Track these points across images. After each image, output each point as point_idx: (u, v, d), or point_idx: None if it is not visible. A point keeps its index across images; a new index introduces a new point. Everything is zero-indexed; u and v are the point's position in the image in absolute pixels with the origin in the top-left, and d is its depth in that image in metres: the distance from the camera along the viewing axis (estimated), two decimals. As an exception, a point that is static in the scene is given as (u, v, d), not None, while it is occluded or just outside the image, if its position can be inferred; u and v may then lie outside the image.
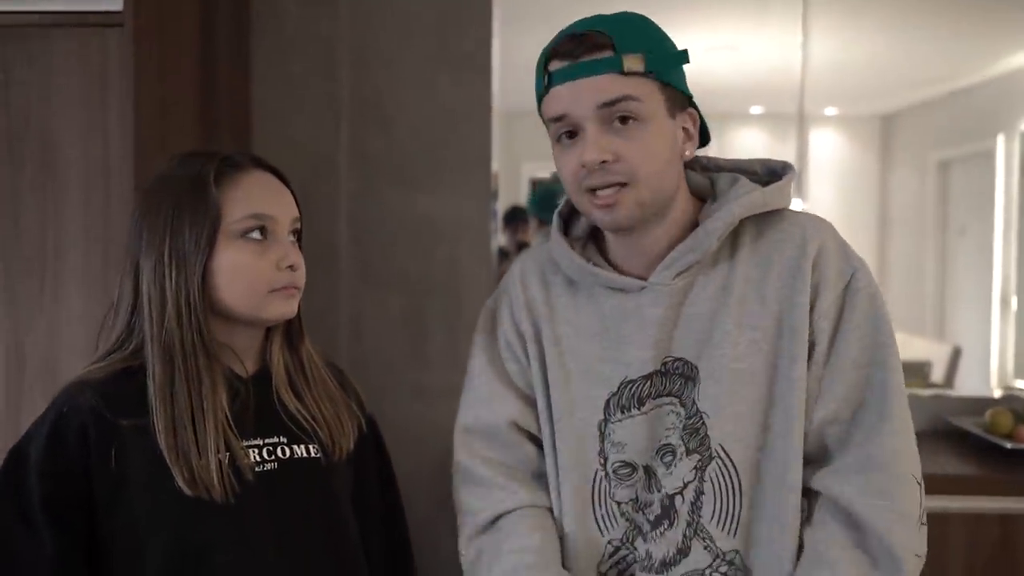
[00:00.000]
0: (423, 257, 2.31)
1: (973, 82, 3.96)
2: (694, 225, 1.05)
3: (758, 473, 1.00)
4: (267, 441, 1.08)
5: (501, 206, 3.24)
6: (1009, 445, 2.04)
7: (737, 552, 1.00)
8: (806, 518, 1.00)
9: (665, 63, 0.99)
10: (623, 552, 1.04)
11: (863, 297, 1.00)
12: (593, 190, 0.99)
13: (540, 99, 1.02)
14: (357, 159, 2.30)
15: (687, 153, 1.04)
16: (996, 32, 3.57)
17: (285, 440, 1.09)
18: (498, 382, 1.13)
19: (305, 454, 1.09)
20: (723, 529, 1.00)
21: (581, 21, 1.01)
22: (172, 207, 1.04)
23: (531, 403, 1.11)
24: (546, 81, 0.99)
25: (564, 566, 1.04)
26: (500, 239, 3.44)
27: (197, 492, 0.99)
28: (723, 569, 1.00)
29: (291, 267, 1.08)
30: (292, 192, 1.14)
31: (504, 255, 3.44)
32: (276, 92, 2.26)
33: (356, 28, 2.28)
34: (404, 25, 2.28)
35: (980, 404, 2.31)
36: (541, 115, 1.04)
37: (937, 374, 3.44)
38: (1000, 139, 3.77)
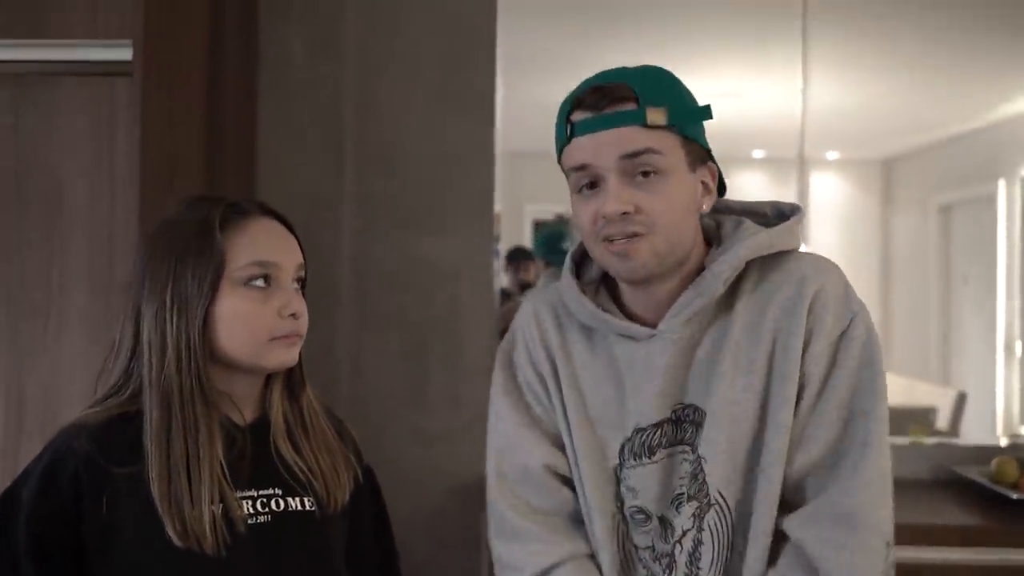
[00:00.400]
0: (424, 298, 2.32)
1: (973, 127, 3.99)
2: (701, 270, 1.05)
3: (749, 517, 1.00)
4: (262, 493, 1.06)
5: (503, 247, 3.25)
6: (1015, 496, 2.02)
7: None
8: (770, 558, 1.00)
9: (687, 117, 1.00)
10: None
11: (857, 345, 1.00)
12: (610, 239, 0.99)
13: (560, 149, 1.03)
14: (360, 201, 2.32)
15: (704, 208, 1.05)
16: (995, 77, 3.61)
17: (280, 492, 1.08)
18: (526, 427, 1.11)
19: (299, 507, 1.08)
20: (718, 574, 1.01)
21: (604, 73, 1.01)
22: (176, 252, 1.04)
23: (560, 444, 1.10)
24: (568, 131, 1.00)
25: None
26: (502, 279, 3.45)
27: (188, 543, 0.97)
28: None
29: (293, 315, 1.07)
30: (297, 239, 1.14)
31: (506, 296, 3.45)
32: (282, 137, 2.29)
33: (361, 73, 2.31)
34: (408, 69, 2.32)
35: (985, 453, 2.30)
36: (560, 164, 1.04)
37: (942, 420, 3.42)
38: (1001, 184, 3.79)
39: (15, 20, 1.49)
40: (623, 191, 0.97)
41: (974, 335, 3.99)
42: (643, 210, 0.97)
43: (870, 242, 4.60)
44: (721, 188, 1.09)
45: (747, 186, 4.00)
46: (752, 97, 3.08)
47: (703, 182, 1.04)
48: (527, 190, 3.87)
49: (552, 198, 2.80)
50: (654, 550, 1.04)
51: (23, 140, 1.50)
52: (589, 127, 0.98)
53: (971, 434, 3.57)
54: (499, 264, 2.47)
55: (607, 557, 1.05)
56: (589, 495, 1.06)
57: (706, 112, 1.03)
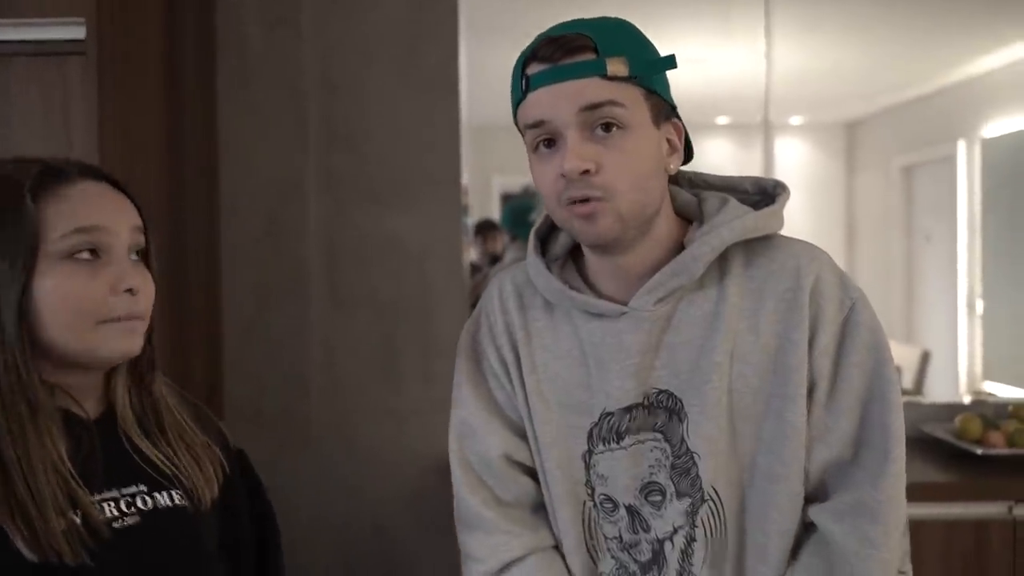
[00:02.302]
0: (394, 277, 2.30)
1: (934, 88, 4.02)
2: (679, 247, 0.99)
3: (745, 514, 0.97)
4: (124, 492, 0.93)
5: (472, 221, 3.23)
6: (980, 451, 2.07)
7: None
8: (794, 547, 0.97)
9: (650, 69, 0.93)
10: None
11: (864, 331, 0.96)
12: (573, 201, 0.92)
13: (516, 106, 0.96)
14: (325, 181, 2.29)
15: (671, 167, 0.98)
16: (956, 38, 3.64)
17: (144, 488, 0.94)
18: (487, 412, 1.06)
19: (169, 502, 0.96)
20: (712, 571, 0.97)
21: (561, 25, 0.95)
22: None
23: (522, 432, 1.05)
24: (524, 86, 0.93)
25: None
26: (471, 253, 3.44)
27: (43, 555, 0.83)
28: None
29: (130, 291, 0.90)
30: (134, 202, 0.96)
31: (476, 269, 3.44)
32: (243, 116, 2.25)
33: (321, 50, 2.27)
34: (369, 45, 2.28)
35: (950, 410, 2.35)
36: (517, 123, 0.97)
37: (907, 379, 3.48)
38: (961, 145, 3.83)
39: (-40, 1, 1.44)
40: (583, 147, 0.90)
41: (937, 294, 4.06)
42: (604, 167, 0.91)
43: (835, 205, 4.64)
44: (688, 151, 1.02)
45: (711, 153, 4.01)
46: (715, 64, 3.08)
47: (668, 139, 0.97)
48: (494, 162, 3.85)
49: (520, 170, 2.78)
50: (622, 540, 0.99)
51: (-26, 125, 1.45)
52: (545, 79, 0.91)
53: (935, 392, 3.65)
54: (468, 238, 2.46)
55: (572, 546, 1.01)
56: (554, 483, 1.01)
57: (669, 62, 0.96)
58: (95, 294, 0.89)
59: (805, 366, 0.94)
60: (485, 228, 4.17)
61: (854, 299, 0.97)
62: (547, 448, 1.01)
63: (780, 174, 4.32)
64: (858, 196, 4.58)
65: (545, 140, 0.93)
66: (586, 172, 0.90)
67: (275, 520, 1.13)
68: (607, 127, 0.91)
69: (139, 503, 0.93)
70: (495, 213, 4.17)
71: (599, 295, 1.01)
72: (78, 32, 1.43)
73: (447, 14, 2.29)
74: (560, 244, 1.08)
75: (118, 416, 0.97)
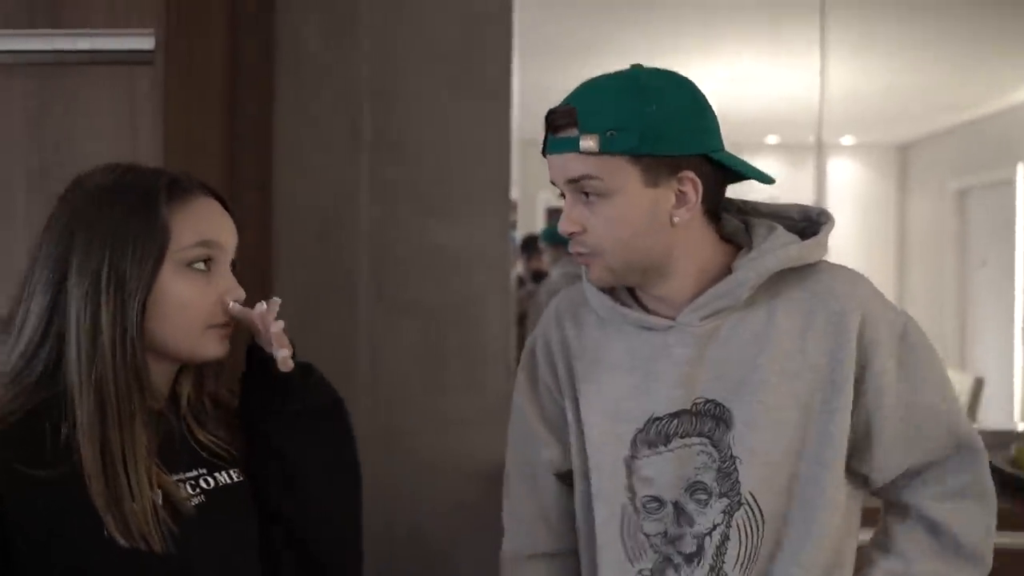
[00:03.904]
0: (442, 285, 2.32)
1: (990, 111, 3.96)
2: (726, 272, 1.06)
3: (784, 521, 1.03)
4: (187, 475, 0.98)
5: (518, 235, 3.26)
6: (1034, 479, 2.02)
7: None
8: (881, 529, 1.11)
9: (636, 137, 0.98)
10: None
11: (921, 347, 1.05)
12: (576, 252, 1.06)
13: None
14: (377, 189, 2.32)
15: (676, 219, 1.02)
16: (1013, 61, 3.57)
17: (204, 471, 1.00)
18: (535, 421, 1.18)
19: (229, 480, 1.01)
20: (743, 572, 1.04)
21: (575, 91, 1.04)
22: (114, 224, 0.92)
23: (565, 441, 1.15)
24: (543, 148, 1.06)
25: None
26: (517, 266, 3.46)
27: (132, 541, 0.88)
28: None
29: (234, 301, 0.99)
30: (233, 220, 1.05)
31: (520, 283, 3.46)
32: (299, 124, 2.30)
33: (377, 60, 2.32)
34: (424, 56, 2.32)
35: (1004, 438, 2.30)
36: None
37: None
38: (1020, 168, 3.76)
39: (37, 10, 1.50)
40: (573, 210, 1.02)
41: (991, 319, 3.98)
42: (588, 229, 1.02)
43: (886, 227, 4.58)
44: (734, 177, 1.08)
45: (761, 172, 3.99)
46: (766, 82, 3.06)
47: (680, 191, 1.02)
48: (540, 178, 3.87)
49: (565, 185, 2.79)
50: (666, 535, 1.06)
51: (47, 130, 1.50)
52: (546, 149, 1.04)
53: (989, 419, 3.56)
54: (515, 251, 2.48)
55: (614, 545, 1.09)
56: (598, 486, 1.09)
57: (682, 118, 1.01)
58: (207, 301, 0.97)
59: (850, 384, 1.02)
60: (531, 245, 4.19)
61: (904, 319, 1.06)
62: (593, 453, 1.10)
63: (831, 195, 4.28)
64: (910, 219, 4.51)
65: (560, 194, 1.06)
66: (573, 233, 1.03)
67: None
68: (587, 194, 1.01)
69: (203, 484, 0.99)
70: (539, 228, 4.18)
71: (647, 311, 1.09)
72: (147, 43, 1.48)
73: (502, 28, 2.32)
74: None
75: (181, 406, 1.02)
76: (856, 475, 1.07)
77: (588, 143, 0.98)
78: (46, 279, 0.93)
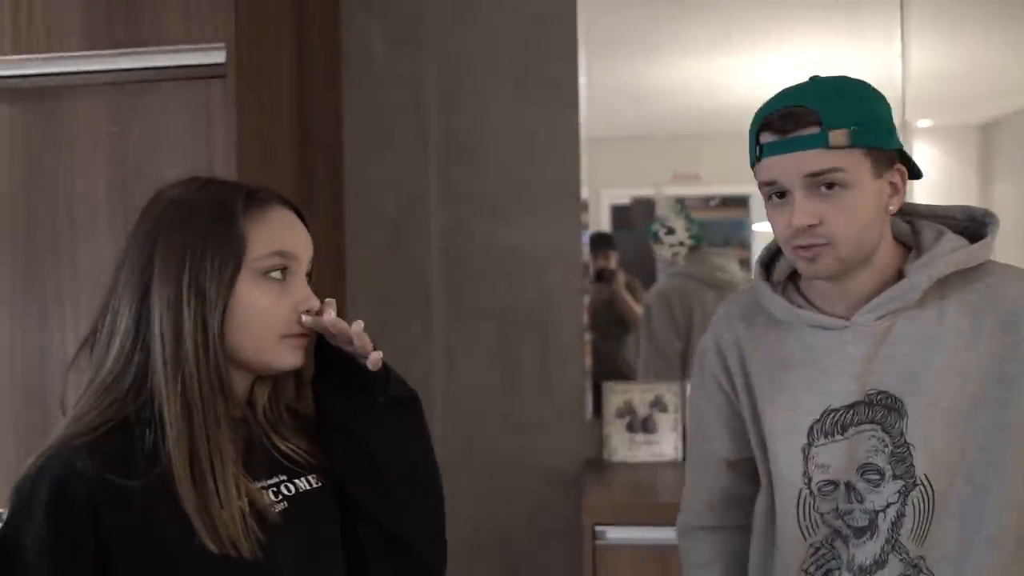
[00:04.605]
0: (515, 287, 2.31)
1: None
2: (898, 273, 1.14)
3: (955, 498, 1.12)
4: (268, 483, 1.00)
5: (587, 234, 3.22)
6: None
7: (922, 558, 1.13)
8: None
9: (872, 131, 1.07)
10: (823, 552, 1.18)
11: None
12: (799, 245, 1.11)
13: (752, 163, 1.14)
14: (447, 193, 2.32)
15: (891, 208, 1.12)
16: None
17: (285, 477, 1.02)
18: (709, 416, 1.29)
19: (308, 486, 1.03)
20: (915, 542, 1.13)
21: (788, 92, 1.11)
22: (194, 234, 0.95)
23: (737, 433, 1.26)
24: (758, 152, 1.11)
25: (772, 565, 1.23)
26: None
27: (223, 547, 0.90)
28: (911, 574, 1.14)
29: (308, 312, 0.99)
30: (309, 230, 1.07)
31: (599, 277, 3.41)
32: (366, 131, 2.31)
33: (442, 64, 2.31)
34: (489, 58, 2.31)
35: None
36: (754, 174, 1.15)
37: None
38: (1114, 145, 3.55)
39: (114, 30, 1.54)
40: (808, 204, 1.07)
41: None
42: (827, 221, 1.07)
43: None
44: (915, 173, 1.16)
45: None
46: (844, 67, 2.97)
47: (892, 183, 1.11)
48: (604, 175, 3.83)
49: (629, 182, 2.74)
50: (838, 510, 1.16)
51: (127, 148, 1.54)
52: (776, 150, 1.09)
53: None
54: (587, 250, 2.44)
55: (790, 523, 1.19)
56: (779, 473, 1.19)
57: (889, 116, 1.10)
58: (282, 311, 0.98)
59: (1021, 376, 1.09)
60: (600, 244, 4.13)
61: None
62: (773, 443, 1.19)
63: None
64: (995, 202, 4.31)
65: (778, 193, 1.11)
66: (811, 226, 1.08)
67: None
68: (830, 185, 1.07)
69: (284, 490, 1.01)
70: (605, 226, 4.13)
71: (820, 312, 1.17)
72: (219, 56, 1.51)
73: (567, 28, 2.30)
74: (780, 270, 1.26)
75: (257, 414, 1.04)
76: None
77: (838, 138, 1.05)
78: (131, 291, 0.95)
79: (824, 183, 1.07)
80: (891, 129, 1.11)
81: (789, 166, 1.08)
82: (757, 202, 2.25)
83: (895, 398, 1.13)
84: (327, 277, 2.17)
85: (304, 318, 0.99)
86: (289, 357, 1.00)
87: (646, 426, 2.33)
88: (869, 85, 1.13)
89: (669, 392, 2.35)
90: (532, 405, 2.31)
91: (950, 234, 1.15)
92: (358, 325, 1.00)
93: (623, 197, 3.98)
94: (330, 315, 1.00)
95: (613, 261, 4.02)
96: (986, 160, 4.37)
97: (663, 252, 2.55)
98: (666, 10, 2.68)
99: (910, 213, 1.21)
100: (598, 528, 1.91)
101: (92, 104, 1.55)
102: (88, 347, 0.98)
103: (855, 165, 1.07)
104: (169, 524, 0.90)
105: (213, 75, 1.51)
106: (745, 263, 2.55)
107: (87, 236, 1.56)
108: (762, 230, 2.55)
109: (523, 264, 2.31)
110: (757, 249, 2.60)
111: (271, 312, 0.97)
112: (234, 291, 0.95)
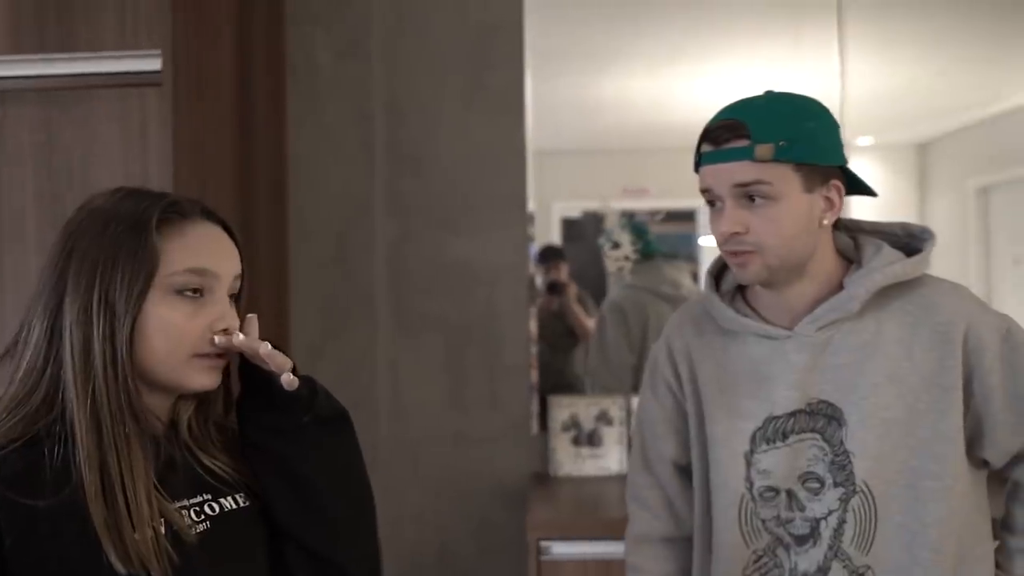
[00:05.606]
0: (460, 301, 2.30)
1: (1010, 107, 3.89)
2: (838, 285, 1.19)
3: (897, 505, 1.15)
4: (191, 502, 0.97)
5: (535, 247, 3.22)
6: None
7: (869, 567, 1.16)
8: (1006, 511, 1.22)
9: (802, 147, 1.11)
10: (765, 559, 1.21)
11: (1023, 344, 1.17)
12: (729, 252, 1.17)
13: (696, 170, 1.19)
14: (393, 204, 2.30)
15: (824, 222, 1.16)
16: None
17: (209, 496, 0.99)
18: (658, 419, 1.32)
19: (234, 505, 1.00)
20: (859, 549, 1.16)
21: (734, 106, 1.16)
22: (106, 247, 0.92)
23: (683, 438, 1.29)
24: (698, 159, 1.17)
25: (713, 570, 1.25)
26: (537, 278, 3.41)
27: (132, 568, 0.86)
28: None
29: (224, 331, 0.96)
30: (238, 246, 1.03)
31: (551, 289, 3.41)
32: (312, 141, 2.28)
33: (388, 75, 2.30)
34: (435, 69, 2.30)
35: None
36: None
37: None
38: (1045, 164, 3.68)
39: (44, 34, 1.49)
40: (735, 213, 1.13)
41: (1021, 318, 3.90)
42: (752, 230, 1.12)
43: (907, 228, 4.49)
44: (863, 191, 1.21)
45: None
46: (784, 85, 3.02)
47: (827, 197, 1.15)
48: (554, 188, 3.85)
49: (580, 195, 2.75)
50: (779, 518, 1.19)
51: (57, 157, 1.49)
52: (710, 159, 1.14)
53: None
54: (534, 264, 2.44)
55: (731, 529, 1.22)
56: (718, 478, 1.22)
57: (829, 132, 1.15)
58: (195, 330, 0.95)
59: (959, 387, 1.14)
60: (549, 256, 4.14)
61: (1008, 322, 1.18)
62: (715, 448, 1.23)
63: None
64: (931, 219, 4.43)
65: (711, 202, 1.17)
66: (736, 233, 1.13)
67: None
68: (752, 198, 1.12)
69: (208, 510, 0.97)
70: (556, 239, 4.14)
71: (765, 322, 1.22)
72: (154, 64, 1.47)
73: (513, 40, 2.30)
74: (728, 281, 1.30)
75: (180, 432, 1.01)
76: (977, 460, 1.19)
77: (764, 152, 1.10)
78: (45, 303, 0.93)
79: (748, 194, 1.12)
80: (828, 146, 1.15)
81: (720, 175, 1.13)
82: (703, 216, 2.28)
83: (835, 407, 1.17)
84: (271, 288, 2.12)
85: (216, 339, 0.96)
86: (201, 377, 0.97)
87: (592, 440, 2.33)
88: (814, 103, 1.17)
89: (614, 405, 2.35)
90: (478, 419, 2.30)
91: (888, 248, 1.20)
92: (265, 347, 0.97)
93: (574, 210, 4.00)
94: (239, 336, 0.97)
95: (564, 273, 4.02)
96: (924, 178, 4.50)
97: (610, 266, 2.56)
98: (613, 25, 2.70)
99: (854, 229, 1.26)
100: (543, 543, 1.90)
101: (19, 111, 1.49)
102: (8, 360, 0.95)
103: (781, 179, 1.12)
104: (77, 544, 0.87)
105: (149, 83, 1.47)
106: (697, 276, 2.57)
107: (12, 248, 1.50)
108: (708, 244, 2.58)
109: (470, 276, 2.29)
110: (705, 262, 2.63)
111: (182, 330, 0.94)
112: (143, 307, 0.92)
